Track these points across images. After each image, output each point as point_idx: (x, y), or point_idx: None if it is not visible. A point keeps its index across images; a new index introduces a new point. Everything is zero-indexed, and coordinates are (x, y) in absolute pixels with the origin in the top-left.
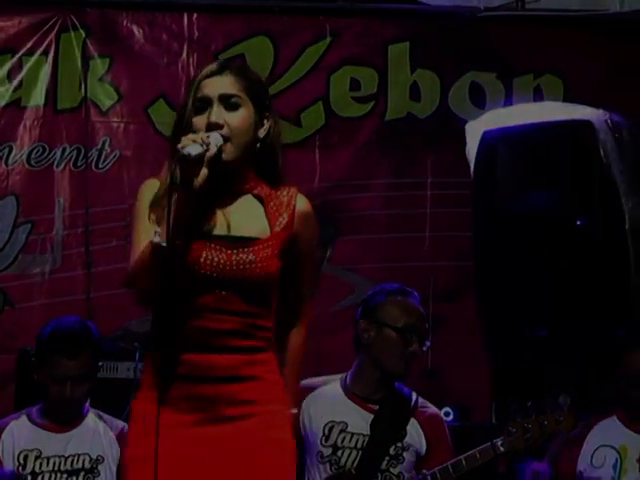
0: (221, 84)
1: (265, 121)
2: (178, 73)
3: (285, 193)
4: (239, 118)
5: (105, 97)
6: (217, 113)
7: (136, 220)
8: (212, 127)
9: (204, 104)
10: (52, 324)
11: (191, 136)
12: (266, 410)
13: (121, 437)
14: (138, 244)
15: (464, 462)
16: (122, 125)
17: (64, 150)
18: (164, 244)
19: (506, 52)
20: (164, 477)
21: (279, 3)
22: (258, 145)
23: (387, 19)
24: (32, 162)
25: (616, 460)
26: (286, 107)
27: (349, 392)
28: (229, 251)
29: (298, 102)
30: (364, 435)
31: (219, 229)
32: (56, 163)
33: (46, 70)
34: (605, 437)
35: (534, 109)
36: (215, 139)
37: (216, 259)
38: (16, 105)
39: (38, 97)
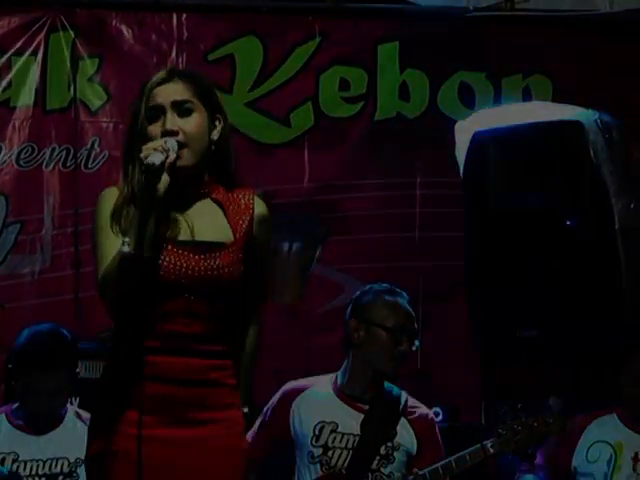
0: (173, 91)
1: (217, 123)
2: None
3: (242, 196)
4: (193, 123)
5: (94, 97)
6: (171, 120)
7: (99, 231)
8: (167, 134)
9: (157, 112)
10: (27, 335)
11: (151, 144)
12: (230, 416)
13: None
14: (104, 255)
15: (454, 464)
16: (111, 125)
17: (53, 150)
18: (133, 253)
19: (495, 52)
20: (128, 475)
21: (268, 3)
22: (212, 147)
23: (376, 19)
24: (21, 162)
25: (610, 456)
26: (275, 107)
27: (339, 392)
28: (196, 256)
29: (287, 102)
30: (354, 435)
31: (183, 234)
32: (45, 163)
33: (35, 70)
34: (602, 433)
35: (524, 109)
36: (171, 145)
37: (184, 265)
38: (5, 105)
39: (27, 97)
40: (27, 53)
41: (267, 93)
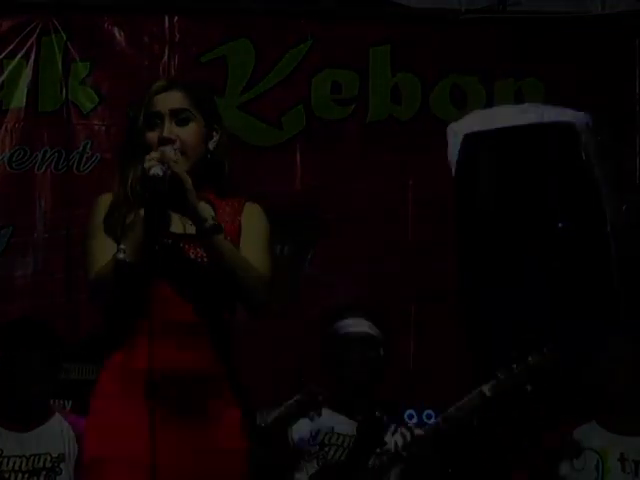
0: (171, 99)
1: (214, 133)
2: (159, 76)
3: (233, 201)
4: (190, 132)
5: (86, 100)
6: (169, 128)
7: (91, 236)
8: (164, 142)
9: (156, 119)
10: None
11: (154, 155)
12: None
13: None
14: (95, 260)
15: (453, 411)
16: (103, 128)
17: (45, 153)
18: (129, 260)
19: (487, 55)
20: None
21: (260, 6)
22: (209, 156)
23: (368, 22)
24: (13, 165)
25: (597, 461)
26: (267, 110)
27: (332, 405)
28: (185, 246)
29: (279, 105)
30: (350, 436)
31: (174, 227)
32: (37, 166)
33: (27, 73)
34: (585, 441)
35: (515, 111)
36: (171, 155)
37: (193, 254)
38: None
39: (19, 100)
40: (19, 56)
41: (259, 96)
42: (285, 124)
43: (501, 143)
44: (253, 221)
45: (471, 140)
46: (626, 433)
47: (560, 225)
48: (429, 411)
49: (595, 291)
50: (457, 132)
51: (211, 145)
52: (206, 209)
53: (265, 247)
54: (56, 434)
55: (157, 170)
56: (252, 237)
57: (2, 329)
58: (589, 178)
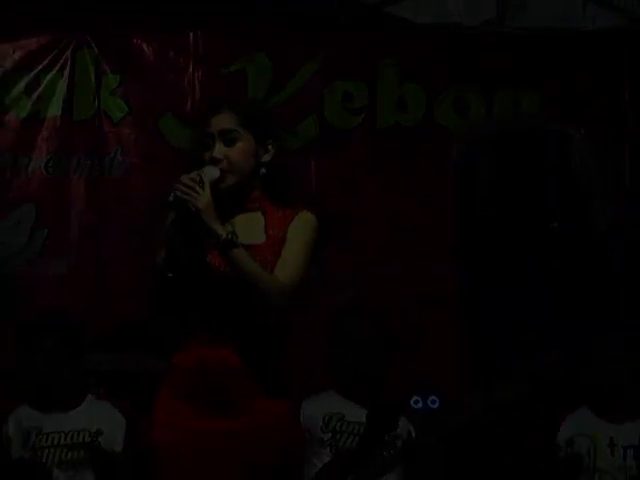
0: (220, 121)
1: (270, 147)
2: (184, 87)
3: (286, 212)
4: (237, 152)
5: (116, 109)
6: (218, 149)
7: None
8: (214, 162)
9: (208, 139)
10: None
11: (184, 179)
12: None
13: (126, 410)
14: (157, 260)
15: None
16: (132, 135)
17: (79, 159)
18: (160, 267)
19: (487, 68)
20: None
21: (276, 19)
22: (263, 170)
23: (377, 37)
24: (50, 170)
25: (589, 447)
26: (283, 118)
27: (342, 393)
28: (211, 257)
29: (295, 114)
30: (360, 423)
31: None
32: (72, 171)
33: (62, 85)
34: (578, 426)
35: (513, 119)
36: (211, 173)
37: (217, 263)
38: (35, 117)
39: (55, 109)
40: (55, 69)
41: (276, 105)
42: (300, 131)
43: (499, 148)
44: (297, 231)
45: (471, 145)
46: (616, 420)
47: (554, 225)
48: (433, 397)
49: (590, 289)
50: (459, 138)
51: (265, 158)
52: (225, 225)
53: (298, 255)
54: (93, 413)
55: (170, 196)
56: (290, 246)
57: (26, 321)
58: (580, 182)
